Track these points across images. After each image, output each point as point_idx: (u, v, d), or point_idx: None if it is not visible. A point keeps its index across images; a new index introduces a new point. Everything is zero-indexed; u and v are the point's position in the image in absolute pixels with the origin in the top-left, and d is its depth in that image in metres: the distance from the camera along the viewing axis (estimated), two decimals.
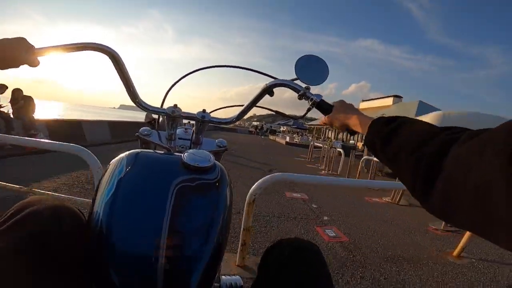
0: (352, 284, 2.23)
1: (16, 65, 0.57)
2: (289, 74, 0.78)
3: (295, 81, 0.76)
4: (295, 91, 0.75)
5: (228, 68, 0.89)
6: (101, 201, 0.51)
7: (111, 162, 0.59)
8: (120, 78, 0.72)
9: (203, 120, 0.82)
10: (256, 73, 0.85)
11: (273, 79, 0.77)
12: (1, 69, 0.57)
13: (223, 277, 0.80)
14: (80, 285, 0.49)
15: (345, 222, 3.78)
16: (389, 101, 30.82)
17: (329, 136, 31.85)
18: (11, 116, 5.94)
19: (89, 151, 1.56)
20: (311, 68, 0.76)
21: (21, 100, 6.12)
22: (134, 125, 11.06)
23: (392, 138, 0.46)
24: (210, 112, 0.85)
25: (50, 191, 3.32)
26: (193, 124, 0.90)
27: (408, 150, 0.40)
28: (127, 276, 0.46)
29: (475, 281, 2.53)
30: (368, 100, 36.14)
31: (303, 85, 0.74)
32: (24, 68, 0.59)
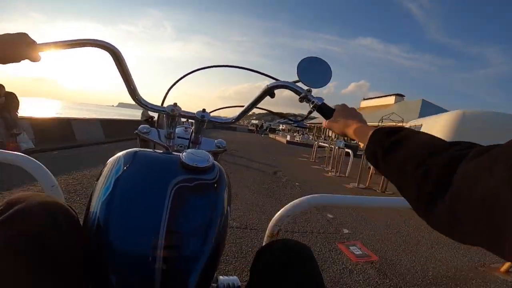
0: None
1: (17, 60, 0.58)
2: (288, 73, 0.77)
3: (297, 83, 0.74)
4: (296, 94, 0.73)
5: (227, 67, 0.90)
6: (98, 200, 0.50)
7: (108, 161, 0.58)
8: (121, 74, 0.72)
9: (202, 119, 0.81)
10: (255, 72, 0.86)
11: (274, 80, 0.76)
12: (3, 64, 0.58)
13: (220, 277, 0.79)
14: (77, 285, 0.48)
15: (368, 236, 3.29)
16: (391, 99, 30.38)
17: (330, 135, 31.47)
18: None
19: (40, 164, 1.03)
20: (314, 70, 0.75)
21: (2, 97, 5.57)
22: (129, 124, 10.53)
23: (396, 150, 0.44)
24: (210, 112, 0.84)
25: None
26: (193, 123, 0.89)
27: (414, 163, 0.38)
28: (124, 276, 0.46)
29: None
30: (369, 98, 35.73)
31: (305, 88, 0.72)
32: (25, 63, 0.60)
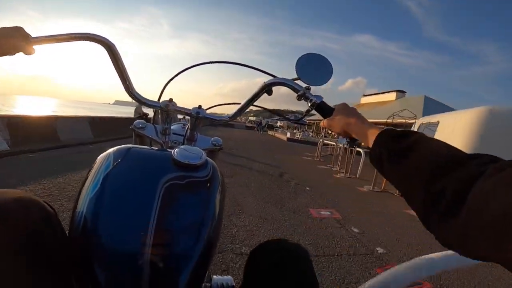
0: None
1: (11, 52, 0.59)
2: (287, 71, 0.69)
3: (296, 81, 0.71)
4: (294, 91, 0.70)
5: (224, 64, 0.89)
6: (86, 197, 0.49)
7: (98, 158, 0.57)
8: (116, 69, 0.71)
9: (197, 116, 0.79)
10: (252, 70, 0.85)
11: (272, 77, 0.73)
12: None
13: (214, 276, 0.77)
14: (58, 283, 0.46)
15: (409, 256, 2.66)
16: (392, 96, 29.78)
17: (330, 132, 30.81)
18: None
19: None
20: (313, 67, 0.72)
21: None
22: (122, 121, 9.83)
23: (407, 157, 0.40)
24: (207, 109, 0.82)
25: None
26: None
27: (428, 177, 0.36)
28: (111, 274, 0.45)
29: None
30: (369, 95, 35.04)
31: (304, 85, 0.68)
32: (20, 56, 0.61)
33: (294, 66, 0.70)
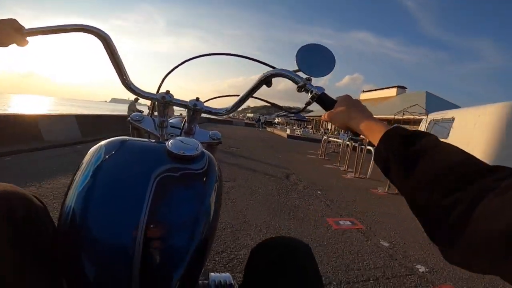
0: None
1: (5, 44, 0.59)
2: (285, 67, 0.72)
3: (297, 73, 0.68)
4: (294, 83, 0.66)
5: (220, 59, 0.86)
6: (75, 190, 0.47)
7: (89, 151, 0.55)
8: (111, 62, 0.69)
9: (195, 108, 0.75)
10: (249, 65, 0.83)
11: (271, 69, 0.71)
12: None
13: (212, 274, 0.75)
14: (47, 277, 0.47)
15: (456, 275, 2.18)
16: (392, 91, 29.28)
17: (329, 127, 30.45)
18: None
19: None
20: (314, 58, 0.69)
21: None
22: (114, 119, 9.26)
23: (419, 163, 0.37)
24: (205, 101, 0.79)
25: None
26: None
27: (441, 188, 0.33)
28: (100, 269, 0.43)
29: None
30: (369, 91, 34.50)
31: (304, 76, 0.65)
32: (13, 47, 0.61)
33: (292, 62, 0.70)
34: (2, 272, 0.40)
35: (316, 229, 2.96)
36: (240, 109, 0.93)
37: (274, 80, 0.70)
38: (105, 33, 0.65)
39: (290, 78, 0.67)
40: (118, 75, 0.70)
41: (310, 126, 35.26)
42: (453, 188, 0.32)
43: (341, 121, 0.56)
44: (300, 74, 0.67)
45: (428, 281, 2.10)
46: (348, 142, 8.66)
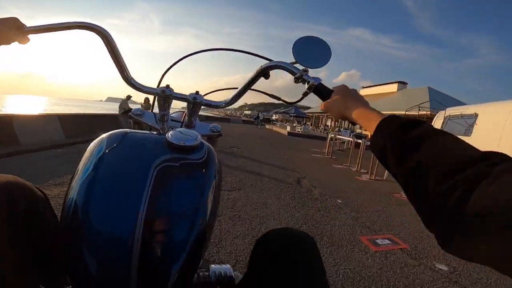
0: None
1: (7, 42, 0.60)
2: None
3: (294, 65, 0.70)
4: (291, 74, 0.68)
5: (218, 57, 0.89)
6: (77, 182, 0.48)
7: (91, 144, 0.55)
8: (112, 58, 0.71)
9: (195, 102, 0.77)
10: (247, 63, 0.87)
11: (268, 61, 0.72)
12: None
13: (212, 265, 0.73)
14: (47, 265, 0.48)
15: None
16: (393, 87, 28.67)
17: (328, 124, 29.83)
18: None
19: None
20: (311, 50, 0.70)
21: None
22: (104, 119, 8.56)
23: (415, 151, 0.37)
24: (204, 95, 0.80)
25: None
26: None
27: (438, 175, 0.33)
28: (101, 259, 0.44)
29: None
30: (369, 86, 33.84)
31: (301, 68, 0.67)
32: (15, 45, 0.62)
33: (290, 58, 0.70)
34: (3, 265, 0.40)
35: (352, 253, 2.33)
36: (237, 106, 0.77)
37: (272, 76, 0.72)
38: (106, 30, 0.66)
39: (287, 70, 0.68)
40: (119, 71, 0.72)
41: (310, 123, 34.64)
42: (448, 174, 0.32)
43: (337, 111, 0.57)
44: (297, 66, 0.68)
45: None
46: (350, 139, 8.17)
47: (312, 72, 0.66)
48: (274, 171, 5.49)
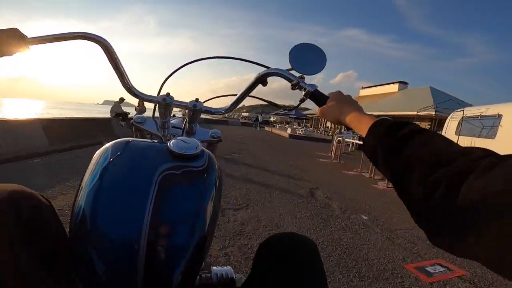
0: None
1: (9, 53, 0.60)
2: (281, 64, 0.79)
3: (290, 72, 0.74)
4: (288, 81, 0.70)
5: (215, 60, 0.91)
6: (85, 190, 0.50)
7: (96, 152, 0.57)
8: (112, 67, 0.72)
9: (195, 109, 0.78)
10: (243, 66, 0.84)
11: (266, 68, 0.74)
12: None
13: (214, 268, 0.77)
14: (54, 273, 0.49)
15: None
16: (394, 87, 28.16)
17: (328, 125, 29.32)
18: None
19: None
20: (307, 57, 0.72)
21: None
22: (94, 123, 7.95)
23: (403, 149, 0.39)
24: (204, 102, 0.82)
25: None
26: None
27: (423, 170, 0.34)
28: (108, 265, 0.45)
29: None
30: (369, 87, 33.34)
31: (297, 75, 0.69)
32: (17, 56, 0.62)
33: (286, 60, 0.72)
34: (7, 274, 0.41)
35: (396, 286, 1.77)
36: (236, 108, 0.91)
37: (269, 80, 0.75)
38: (105, 39, 0.69)
39: (284, 77, 0.70)
40: (120, 79, 0.74)
41: (309, 125, 34.13)
42: (434, 169, 0.33)
43: (333, 116, 0.58)
44: (294, 72, 0.69)
45: None
46: (356, 141, 7.66)
47: (308, 78, 0.69)
48: (282, 181, 4.92)
